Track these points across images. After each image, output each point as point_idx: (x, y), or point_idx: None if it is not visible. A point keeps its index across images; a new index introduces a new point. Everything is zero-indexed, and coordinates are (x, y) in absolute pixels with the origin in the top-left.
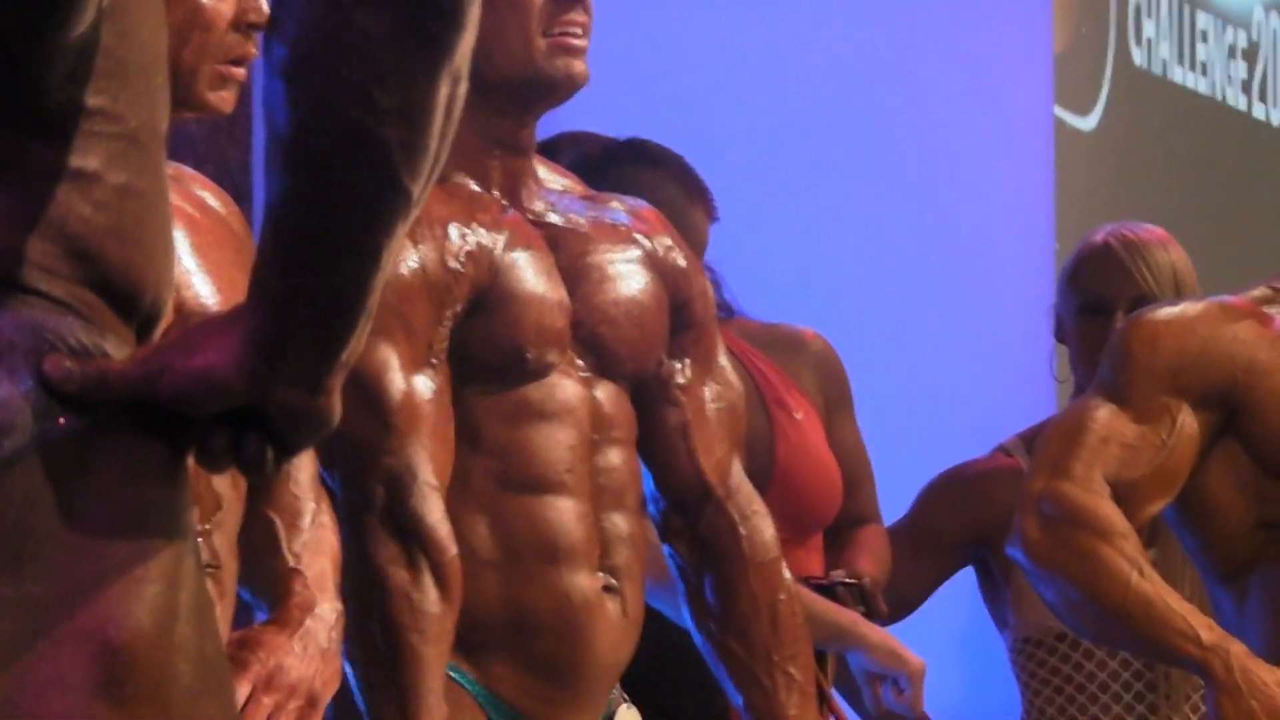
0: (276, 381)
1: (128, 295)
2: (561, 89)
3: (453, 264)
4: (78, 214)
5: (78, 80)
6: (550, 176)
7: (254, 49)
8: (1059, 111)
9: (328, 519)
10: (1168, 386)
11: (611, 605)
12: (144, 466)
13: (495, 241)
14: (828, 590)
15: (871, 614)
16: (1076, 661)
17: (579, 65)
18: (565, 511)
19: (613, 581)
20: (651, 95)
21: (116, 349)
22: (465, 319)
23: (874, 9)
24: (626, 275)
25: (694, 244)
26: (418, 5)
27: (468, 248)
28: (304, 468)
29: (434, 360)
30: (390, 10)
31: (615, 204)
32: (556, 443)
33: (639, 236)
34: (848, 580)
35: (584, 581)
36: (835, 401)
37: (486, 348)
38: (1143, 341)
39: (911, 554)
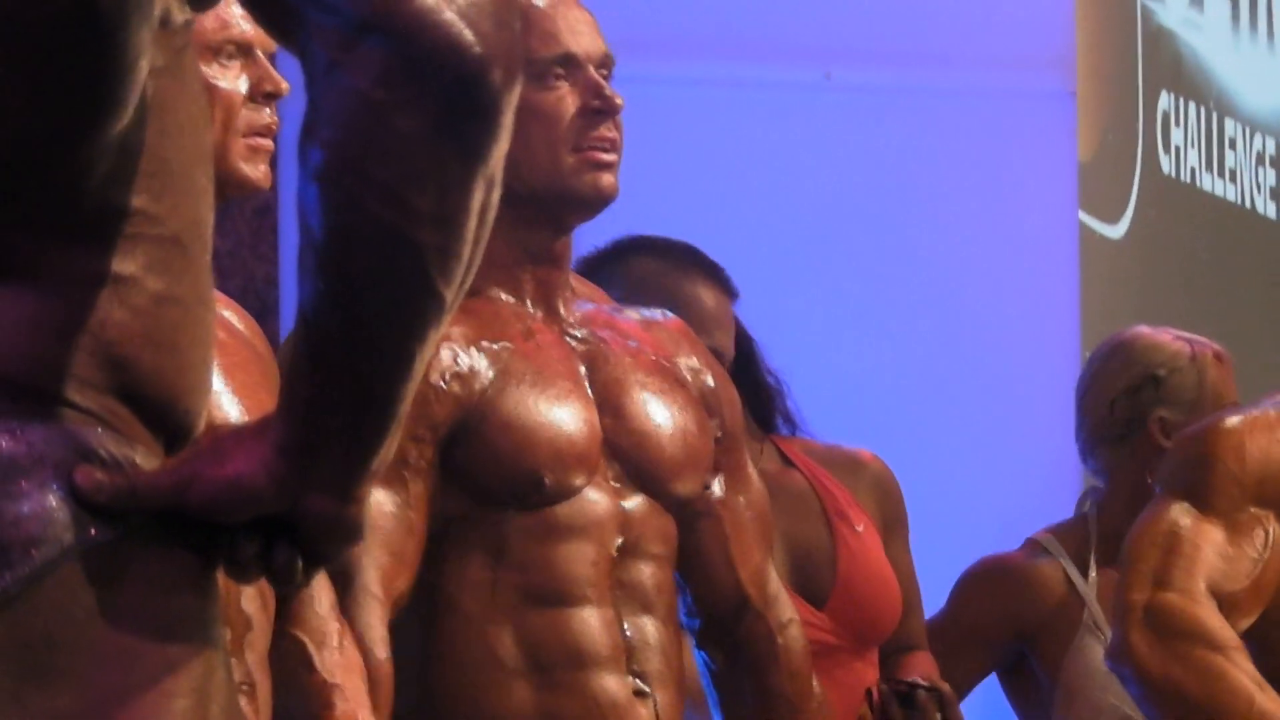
0: (306, 489)
1: (159, 404)
2: (591, 205)
3: (435, 380)
4: (113, 320)
5: (118, 181)
6: (580, 289)
7: (275, 119)
8: (1087, 219)
9: (349, 642)
10: (1255, 497)
11: (644, 710)
12: (174, 577)
13: (495, 365)
14: (908, 696)
15: None
16: None
17: (607, 179)
18: (589, 620)
19: (643, 686)
20: (673, 204)
21: (145, 460)
22: (462, 442)
23: (897, 117)
24: (668, 402)
25: (714, 324)
26: (453, 109)
27: (457, 369)
28: (323, 595)
29: (405, 474)
30: (426, 114)
31: (639, 319)
32: (580, 557)
33: (669, 362)
34: (927, 685)
35: (613, 685)
36: (891, 524)
37: (497, 473)
38: (1229, 450)
39: (950, 651)
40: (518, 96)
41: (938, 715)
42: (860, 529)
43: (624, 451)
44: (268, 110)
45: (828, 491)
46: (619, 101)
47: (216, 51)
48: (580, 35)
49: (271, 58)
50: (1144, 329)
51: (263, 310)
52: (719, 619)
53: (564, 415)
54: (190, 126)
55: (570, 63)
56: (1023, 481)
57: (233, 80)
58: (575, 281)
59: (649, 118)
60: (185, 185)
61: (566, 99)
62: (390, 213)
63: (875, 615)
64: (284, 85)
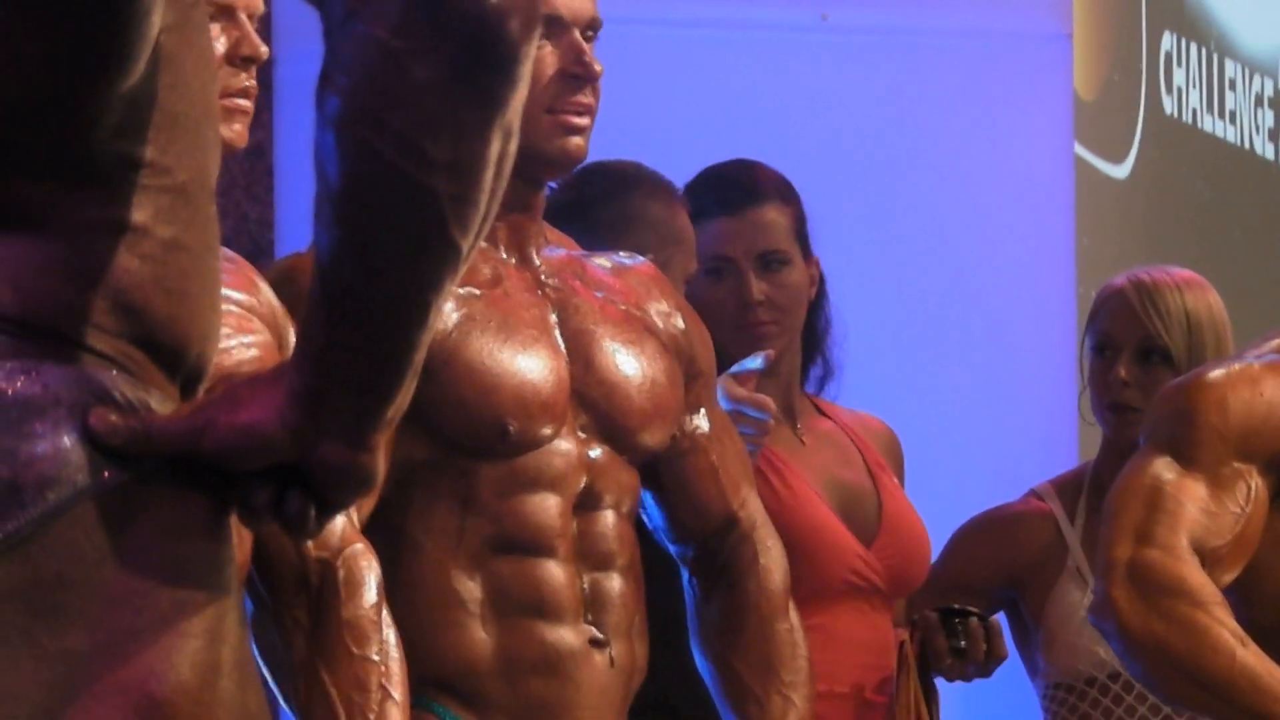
0: (319, 437)
1: (172, 350)
2: (557, 166)
3: None
4: (125, 267)
5: (128, 132)
6: (551, 237)
7: (253, 82)
8: (1091, 159)
9: (395, 683)
10: (1238, 451)
11: (599, 657)
12: (187, 521)
13: (459, 310)
14: (960, 614)
15: (993, 654)
16: (1106, 707)
17: (576, 142)
18: (551, 571)
19: (599, 635)
20: (668, 146)
21: (160, 404)
22: (423, 383)
23: (893, 59)
24: (637, 353)
25: (681, 247)
26: (471, 58)
27: None
28: (369, 584)
29: None
30: (443, 63)
31: (610, 265)
32: (547, 509)
33: (639, 309)
34: (977, 613)
35: (569, 635)
36: None
37: (462, 419)
38: (1212, 404)
39: (946, 598)
40: (535, 47)
41: (984, 645)
42: (896, 481)
43: (593, 402)
44: (244, 74)
45: (863, 442)
46: (598, 69)
47: None
48: None
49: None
50: None
51: (256, 252)
52: (707, 545)
53: (529, 363)
54: (198, 81)
55: (556, 24)
56: (1019, 423)
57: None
58: (547, 230)
59: (644, 59)
60: (192, 138)
61: (547, 60)
62: (406, 161)
63: (914, 560)
64: (262, 50)
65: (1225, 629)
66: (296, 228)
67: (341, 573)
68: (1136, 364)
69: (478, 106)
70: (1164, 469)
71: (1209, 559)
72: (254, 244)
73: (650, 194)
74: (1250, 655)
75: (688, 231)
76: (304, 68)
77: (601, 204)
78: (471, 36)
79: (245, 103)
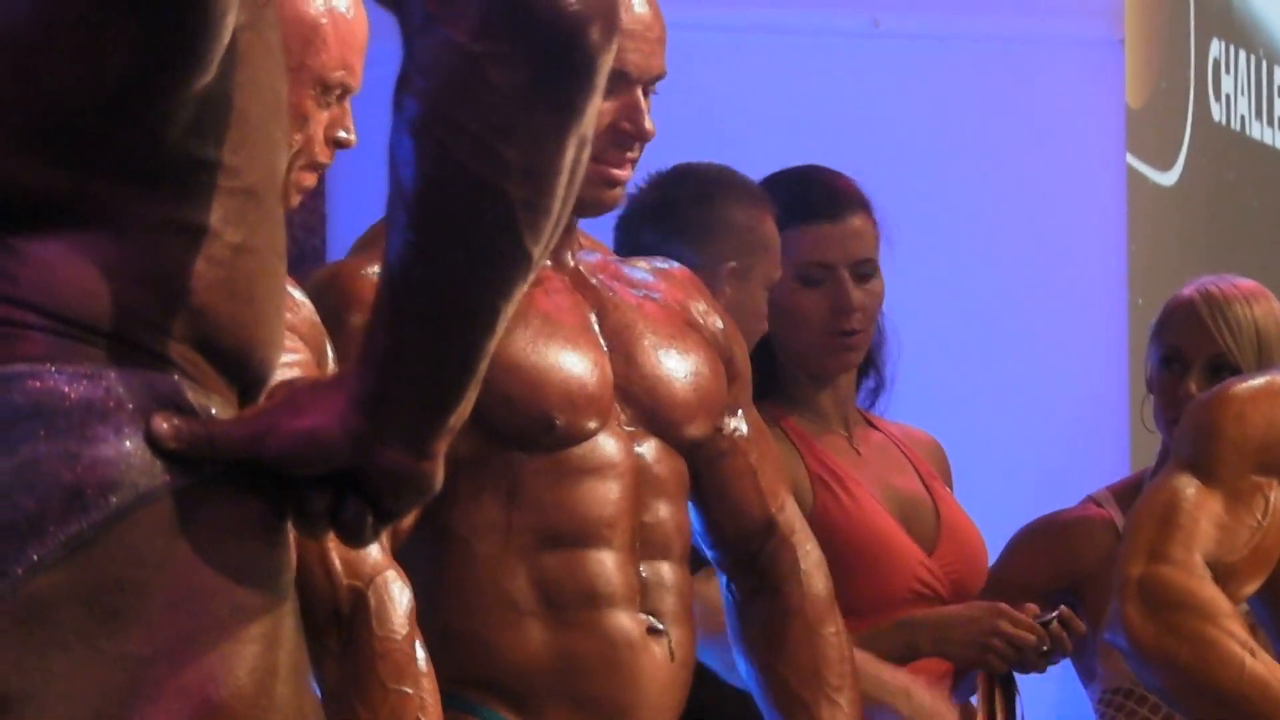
0: (381, 443)
1: (236, 354)
2: (589, 210)
3: None
4: (192, 270)
5: (199, 132)
6: (586, 242)
7: None
8: (1140, 166)
9: (428, 712)
10: (1257, 464)
11: (657, 648)
12: (246, 526)
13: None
14: (1043, 624)
15: (1075, 633)
16: (1167, 714)
17: (613, 194)
18: (605, 562)
19: (657, 624)
20: (719, 152)
21: (221, 410)
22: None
23: (944, 64)
24: (679, 347)
25: (766, 254)
26: (550, 65)
27: None
28: (398, 622)
29: None
30: (521, 68)
31: (647, 268)
32: (598, 499)
33: (680, 306)
34: (1053, 614)
35: (626, 623)
36: None
37: (508, 413)
38: (1231, 418)
39: (1002, 601)
40: (613, 55)
41: (1065, 633)
42: (947, 490)
43: (636, 397)
44: None
45: (913, 453)
46: (649, 130)
47: None
48: (640, 53)
49: None
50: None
51: (299, 255)
52: (746, 545)
53: (574, 359)
54: (268, 81)
55: (620, 79)
56: (1071, 431)
57: None
58: (581, 235)
59: (696, 64)
60: (262, 138)
61: (603, 111)
62: (480, 165)
63: (974, 568)
64: None
65: (1234, 640)
66: (342, 230)
67: (373, 602)
68: (1207, 379)
69: (555, 112)
70: (1184, 485)
71: (1224, 574)
72: (298, 248)
73: (737, 199)
74: (1259, 665)
75: (773, 238)
76: None
77: (687, 206)
78: (551, 42)
79: None
